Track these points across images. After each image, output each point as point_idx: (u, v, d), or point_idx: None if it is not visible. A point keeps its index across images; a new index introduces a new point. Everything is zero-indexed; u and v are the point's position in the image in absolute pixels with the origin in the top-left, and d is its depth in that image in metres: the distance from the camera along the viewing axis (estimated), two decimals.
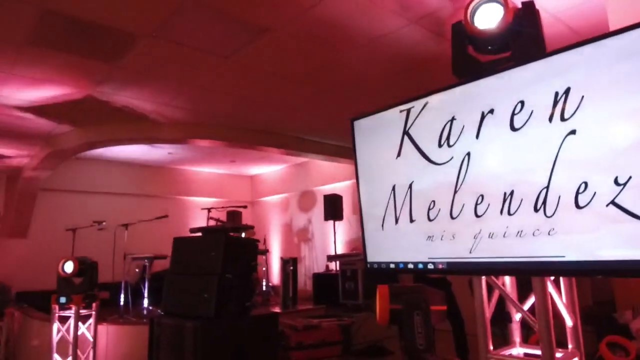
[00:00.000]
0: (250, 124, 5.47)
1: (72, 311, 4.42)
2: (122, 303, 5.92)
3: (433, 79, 3.93)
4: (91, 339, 4.44)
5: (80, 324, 4.36)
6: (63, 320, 4.43)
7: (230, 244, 3.70)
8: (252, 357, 3.61)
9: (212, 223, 6.77)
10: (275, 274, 9.04)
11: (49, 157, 6.06)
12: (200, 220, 9.81)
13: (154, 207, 8.31)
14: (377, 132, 2.25)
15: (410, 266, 2.08)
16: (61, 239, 7.75)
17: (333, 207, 7.77)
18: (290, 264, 6.59)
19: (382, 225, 2.18)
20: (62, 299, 4.30)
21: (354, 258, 6.69)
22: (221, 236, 3.71)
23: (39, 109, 4.72)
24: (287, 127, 5.70)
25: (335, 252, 7.58)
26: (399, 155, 2.12)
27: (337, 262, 7.23)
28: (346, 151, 6.59)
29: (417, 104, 2.10)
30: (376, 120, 2.26)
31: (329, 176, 8.65)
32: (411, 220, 2.06)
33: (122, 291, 5.95)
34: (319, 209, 8.89)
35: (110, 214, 7.15)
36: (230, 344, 3.50)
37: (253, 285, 3.99)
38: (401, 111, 2.14)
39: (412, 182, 2.07)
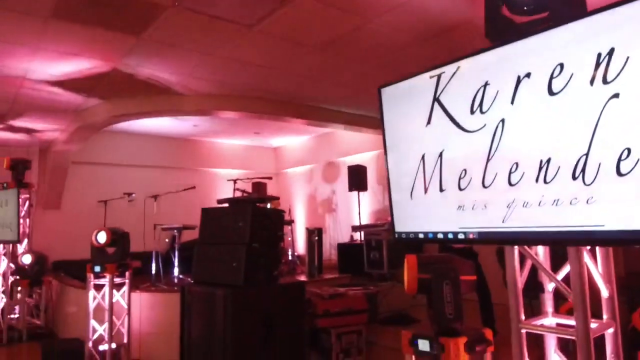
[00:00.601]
0: (273, 95, 5.42)
1: (107, 279, 4.58)
2: (153, 272, 6.10)
3: (463, 45, 3.79)
4: (125, 306, 4.61)
5: (114, 291, 4.51)
6: (98, 288, 4.61)
7: (257, 214, 3.73)
8: (280, 323, 3.69)
9: (238, 194, 6.84)
10: (301, 244, 9.14)
11: (78, 131, 6.18)
12: (225, 192, 9.92)
13: (181, 178, 8.44)
14: (405, 100, 2.19)
15: (440, 236, 2.05)
16: (93, 211, 7.98)
17: (357, 178, 7.74)
18: (315, 234, 6.64)
19: (411, 195, 2.15)
20: (97, 268, 4.45)
21: (379, 228, 6.69)
22: (248, 207, 3.75)
23: (67, 83, 4.77)
24: (310, 97, 5.62)
25: (360, 223, 7.59)
26: (428, 123, 2.07)
27: (362, 233, 7.27)
28: (371, 121, 6.51)
29: (448, 70, 2.02)
30: (405, 88, 2.20)
31: (352, 147, 8.58)
32: (441, 190, 2.02)
33: (153, 260, 6.12)
34: (343, 179, 8.87)
35: (138, 186, 7.30)
36: (259, 311, 3.58)
37: (280, 254, 4.03)
38: (431, 77, 2.07)
39: (443, 150, 2.02)
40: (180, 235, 6.43)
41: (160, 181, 8.27)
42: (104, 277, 4.60)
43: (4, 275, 6.34)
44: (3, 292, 6.30)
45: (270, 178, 6.65)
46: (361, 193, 7.77)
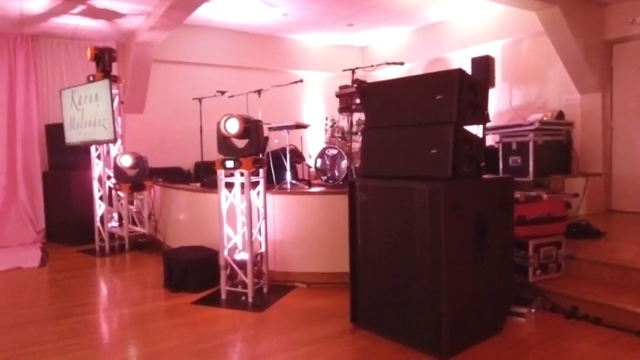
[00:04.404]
0: None
1: (237, 177, 3.80)
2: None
3: None
4: (261, 209, 3.84)
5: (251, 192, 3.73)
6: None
7: (465, 83, 2.70)
8: (491, 228, 2.81)
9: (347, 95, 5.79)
10: None
11: (169, 11, 5.19)
12: (314, 95, 9.00)
13: (264, 80, 7.57)
14: None
15: None
16: (179, 115, 7.29)
17: (484, 72, 6.49)
18: None
19: None
20: (229, 163, 3.64)
21: (524, 128, 5.58)
22: (454, 74, 2.71)
23: None
24: None
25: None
26: None
27: (492, 135, 6.22)
28: None
29: None
30: None
31: (469, 38, 7.23)
32: None
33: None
34: None
35: (223, 87, 6.41)
36: (469, 211, 2.68)
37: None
38: None
39: None
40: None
41: (244, 82, 7.42)
42: (232, 175, 3.82)
43: (100, 180, 5.76)
44: (100, 198, 5.76)
45: (402, 63, 5.53)
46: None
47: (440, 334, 2.56)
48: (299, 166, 7.82)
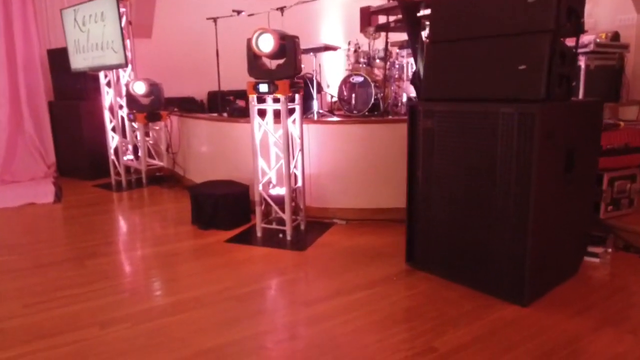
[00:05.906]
0: None
1: (270, 103, 3.38)
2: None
3: None
4: (298, 139, 3.45)
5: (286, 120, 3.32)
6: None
7: None
8: (579, 154, 2.43)
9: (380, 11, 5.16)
10: None
11: None
12: (331, 18, 8.29)
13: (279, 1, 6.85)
14: None
15: None
16: (190, 39, 6.69)
17: None
18: None
19: None
20: (263, 87, 3.19)
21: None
22: None
23: None
24: None
25: None
26: None
27: None
28: None
29: None
30: None
31: None
32: None
33: None
34: None
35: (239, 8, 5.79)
36: (561, 140, 2.29)
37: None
38: None
39: None
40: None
41: (259, 2, 6.73)
42: (264, 101, 3.40)
43: (111, 110, 5.32)
44: (113, 129, 5.35)
45: None
46: None
47: (521, 278, 2.25)
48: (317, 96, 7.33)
